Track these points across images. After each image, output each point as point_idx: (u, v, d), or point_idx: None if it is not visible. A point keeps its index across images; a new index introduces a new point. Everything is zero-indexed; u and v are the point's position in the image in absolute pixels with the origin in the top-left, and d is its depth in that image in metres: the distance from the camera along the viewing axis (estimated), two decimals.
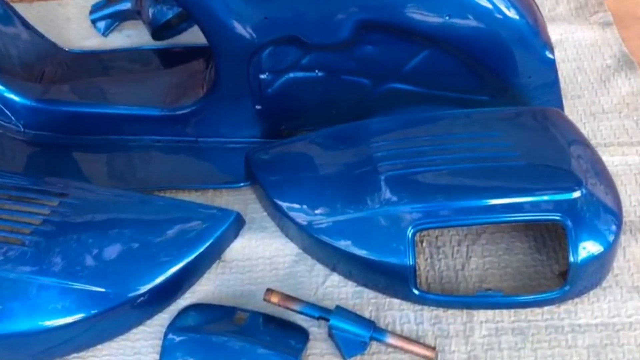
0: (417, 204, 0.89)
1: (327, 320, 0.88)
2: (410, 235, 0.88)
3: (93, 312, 0.88)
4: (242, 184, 1.10)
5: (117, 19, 1.42)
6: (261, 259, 1.00)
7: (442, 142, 0.96)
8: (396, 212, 0.89)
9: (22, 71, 1.26)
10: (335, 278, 0.96)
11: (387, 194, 0.91)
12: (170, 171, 1.14)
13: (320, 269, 0.98)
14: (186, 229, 0.97)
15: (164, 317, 0.93)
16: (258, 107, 1.12)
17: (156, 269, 0.92)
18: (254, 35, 1.02)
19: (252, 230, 1.03)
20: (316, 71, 1.08)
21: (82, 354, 0.90)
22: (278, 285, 0.95)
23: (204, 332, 0.88)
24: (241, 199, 1.08)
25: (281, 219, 1.01)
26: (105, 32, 1.42)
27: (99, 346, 0.91)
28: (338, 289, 0.95)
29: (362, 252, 0.91)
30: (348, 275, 0.96)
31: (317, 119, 1.12)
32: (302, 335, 0.89)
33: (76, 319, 0.87)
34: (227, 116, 1.14)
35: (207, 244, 0.96)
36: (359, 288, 0.95)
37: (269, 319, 0.91)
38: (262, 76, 1.08)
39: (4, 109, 1.17)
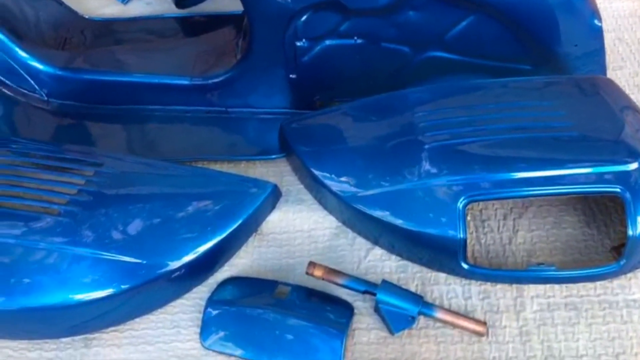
0: (469, 174, 0.86)
1: (373, 294, 0.85)
2: (461, 207, 0.85)
3: (130, 284, 0.85)
4: (275, 156, 1.06)
5: None
6: (299, 232, 0.97)
7: (490, 111, 0.93)
8: (446, 183, 0.86)
9: (44, 39, 1.22)
10: (378, 252, 0.94)
11: (435, 164, 0.88)
12: (200, 142, 1.10)
13: (361, 242, 0.95)
14: (223, 201, 0.93)
15: (203, 290, 0.90)
16: (292, 76, 1.08)
17: (193, 241, 0.89)
18: None
19: (289, 203, 1.00)
20: (355, 38, 1.04)
21: (120, 327, 0.88)
22: (318, 259, 0.92)
23: (246, 306, 0.86)
24: (276, 171, 1.05)
25: (320, 190, 0.97)
26: (125, 0, 1.37)
27: (137, 320, 0.88)
28: (381, 263, 0.92)
29: (408, 225, 0.88)
30: (391, 249, 0.93)
31: (352, 89, 1.08)
32: (347, 309, 0.87)
33: (113, 292, 0.84)
34: (260, 85, 1.10)
35: (245, 216, 0.93)
36: (403, 262, 0.92)
37: (312, 292, 0.88)
38: (298, 43, 1.04)
39: (28, 78, 1.12)
